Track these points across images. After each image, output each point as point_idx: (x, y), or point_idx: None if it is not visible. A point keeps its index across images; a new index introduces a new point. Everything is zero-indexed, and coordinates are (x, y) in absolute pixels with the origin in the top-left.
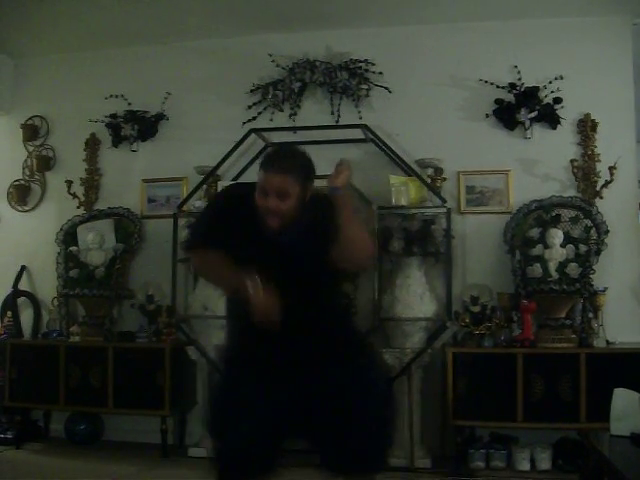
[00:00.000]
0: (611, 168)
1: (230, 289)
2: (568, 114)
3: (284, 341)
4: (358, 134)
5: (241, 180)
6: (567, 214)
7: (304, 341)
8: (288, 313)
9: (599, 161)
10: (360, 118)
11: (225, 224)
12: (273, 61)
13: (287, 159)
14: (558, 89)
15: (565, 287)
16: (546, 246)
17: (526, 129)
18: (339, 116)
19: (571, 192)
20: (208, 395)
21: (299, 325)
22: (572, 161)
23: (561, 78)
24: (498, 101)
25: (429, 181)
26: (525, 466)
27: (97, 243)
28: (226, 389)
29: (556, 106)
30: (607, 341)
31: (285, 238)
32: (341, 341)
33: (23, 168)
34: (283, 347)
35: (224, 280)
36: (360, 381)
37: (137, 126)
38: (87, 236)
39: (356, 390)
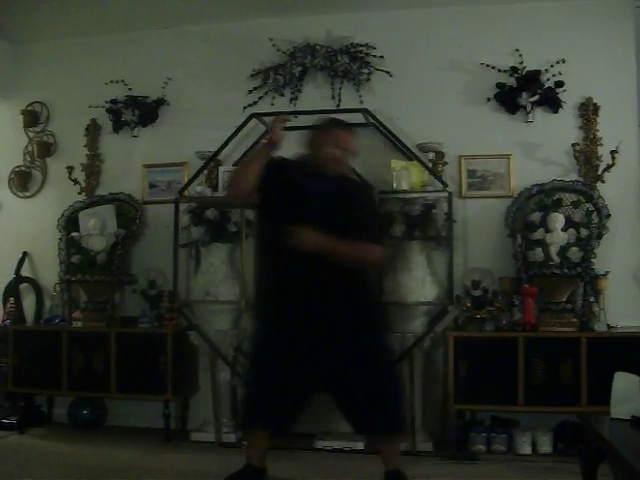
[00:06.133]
0: (613, 152)
1: (255, 160)
2: (570, 98)
3: (310, 288)
4: (359, 118)
5: None
6: (568, 198)
7: (327, 292)
8: (314, 261)
9: (601, 145)
10: (361, 102)
11: (273, 177)
12: (274, 45)
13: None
14: (560, 73)
15: (566, 271)
16: (547, 230)
17: (527, 113)
18: (340, 100)
19: (573, 176)
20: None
21: (325, 270)
22: (574, 145)
23: (563, 62)
24: (499, 85)
25: (430, 165)
26: (526, 449)
27: (98, 229)
28: (258, 343)
29: (558, 90)
30: (608, 325)
31: (325, 187)
32: (360, 306)
33: (24, 154)
34: (309, 297)
35: (250, 162)
36: (373, 347)
37: (138, 111)
38: (88, 222)
39: (370, 356)
